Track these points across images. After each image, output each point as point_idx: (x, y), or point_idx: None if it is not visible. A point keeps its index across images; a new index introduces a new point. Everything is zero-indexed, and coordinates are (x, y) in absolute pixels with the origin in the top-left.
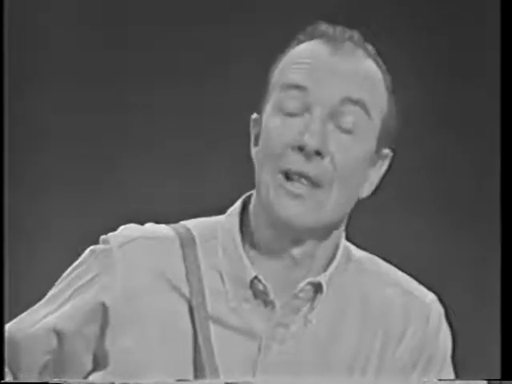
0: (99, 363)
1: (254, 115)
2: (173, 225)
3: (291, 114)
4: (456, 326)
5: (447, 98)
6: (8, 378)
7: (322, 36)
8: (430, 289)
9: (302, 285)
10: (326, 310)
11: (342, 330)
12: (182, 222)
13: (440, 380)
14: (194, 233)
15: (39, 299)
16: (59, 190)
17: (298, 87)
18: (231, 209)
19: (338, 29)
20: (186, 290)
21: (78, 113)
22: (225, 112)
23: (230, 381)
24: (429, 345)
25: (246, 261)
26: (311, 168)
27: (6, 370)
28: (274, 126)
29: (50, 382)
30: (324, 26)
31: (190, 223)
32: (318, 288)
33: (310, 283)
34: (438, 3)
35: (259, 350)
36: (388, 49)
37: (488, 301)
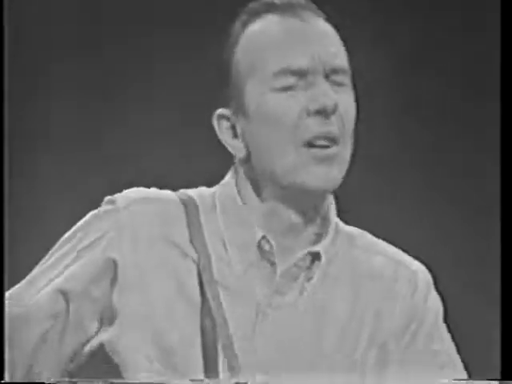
0: (104, 322)
1: (220, 111)
2: (176, 192)
3: (291, 88)
4: (456, 326)
5: (449, 98)
6: (7, 376)
7: (276, 9)
8: None
9: (301, 254)
10: (321, 280)
11: (335, 300)
12: (183, 190)
13: (454, 380)
14: (197, 201)
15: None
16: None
17: (295, 71)
18: (225, 180)
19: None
20: (191, 252)
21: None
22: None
23: (240, 381)
24: (418, 309)
25: (252, 223)
26: (331, 127)
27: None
28: (277, 103)
29: (50, 382)
30: (268, 1)
31: (192, 191)
32: (315, 257)
33: (310, 252)
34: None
35: (257, 315)
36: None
37: (488, 301)
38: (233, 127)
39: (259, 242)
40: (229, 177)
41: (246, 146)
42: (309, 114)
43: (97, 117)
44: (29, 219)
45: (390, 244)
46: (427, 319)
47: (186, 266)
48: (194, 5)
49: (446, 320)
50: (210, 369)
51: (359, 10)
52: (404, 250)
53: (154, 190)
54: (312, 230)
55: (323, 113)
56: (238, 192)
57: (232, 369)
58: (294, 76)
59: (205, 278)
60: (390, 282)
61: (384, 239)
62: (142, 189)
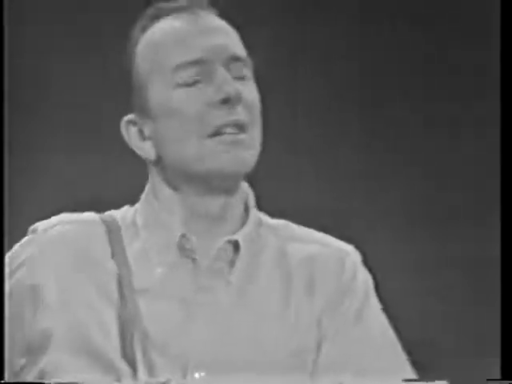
0: (33, 352)
1: (127, 117)
2: (100, 214)
3: (192, 83)
4: (456, 326)
5: (449, 98)
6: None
7: (172, 12)
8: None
9: (220, 243)
10: (246, 271)
11: (264, 291)
12: (108, 212)
13: None
14: (119, 219)
15: None
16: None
17: (193, 62)
18: (144, 192)
19: (181, 2)
20: (113, 267)
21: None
22: None
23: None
24: (349, 286)
25: (171, 224)
26: (238, 116)
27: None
28: (180, 97)
29: (50, 382)
30: (164, 5)
31: (116, 211)
32: (236, 247)
33: (229, 241)
34: None
35: (184, 315)
36: None
37: (488, 301)
38: (140, 131)
39: (179, 241)
40: (146, 187)
41: (156, 147)
42: (214, 105)
43: (97, 116)
44: (29, 219)
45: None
46: (358, 295)
47: (106, 279)
48: None
49: (445, 320)
50: (133, 368)
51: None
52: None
53: (75, 214)
54: (232, 222)
55: (228, 102)
56: (156, 197)
57: (151, 369)
58: (193, 68)
59: (124, 286)
60: (318, 265)
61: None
62: (64, 214)
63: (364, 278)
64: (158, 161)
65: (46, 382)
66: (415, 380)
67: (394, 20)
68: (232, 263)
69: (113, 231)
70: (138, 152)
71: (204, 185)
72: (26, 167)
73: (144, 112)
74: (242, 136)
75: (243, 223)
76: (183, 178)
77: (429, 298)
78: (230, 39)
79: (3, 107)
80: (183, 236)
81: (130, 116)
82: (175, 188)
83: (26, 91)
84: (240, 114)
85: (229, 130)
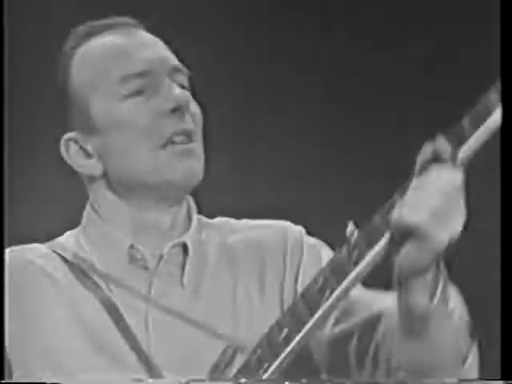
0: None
1: (66, 135)
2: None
3: (139, 93)
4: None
5: (448, 97)
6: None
7: (105, 29)
8: None
9: (168, 247)
10: (196, 272)
11: (214, 287)
12: (50, 242)
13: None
14: (65, 244)
15: None
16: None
17: (138, 74)
18: (84, 216)
19: (110, 20)
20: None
21: None
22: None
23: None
24: (295, 256)
25: (119, 238)
26: (186, 124)
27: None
28: (127, 109)
29: (50, 382)
30: (96, 22)
31: (59, 239)
32: (184, 250)
33: (177, 244)
34: None
35: (147, 324)
36: None
37: (488, 300)
38: (82, 148)
39: (129, 252)
40: (87, 207)
41: (102, 162)
42: (164, 115)
43: None
44: (29, 219)
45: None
46: (306, 264)
47: (83, 298)
48: None
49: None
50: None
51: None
52: None
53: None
54: (178, 227)
55: (178, 110)
56: (98, 214)
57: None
58: (138, 79)
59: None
60: (263, 246)
61: None
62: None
63: (312, 242)
64: (103, 176)
65: (46, 381)
66: None
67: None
68: (183, 266)
69: (61, 259)
70: (80, 170)
71: (155, 197)
72: (26, 167)
73: (86, 128)
74: (192, 145)
75: (187, 227)
76: (132, 192)
77: None
78: (168, 52)
79: (3, 107)
80: (131, 247)
81: (70, 134)
82: (121, 202)
83: (26, 91)
84: (188, 122)
85: (179, 138)
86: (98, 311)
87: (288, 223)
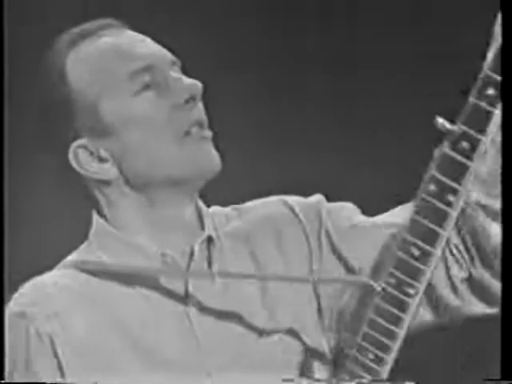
0: None
1: (76, 143)
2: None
3: (149, 86)
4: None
5: (448, 97)
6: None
7: (90, 34)
8: None
9: (198, 244)
10: (222, 261)
11: (240, 275)
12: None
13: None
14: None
15: None
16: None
17: (145, 68)
18: (90, 234)
19: (96, 23)
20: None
21: None
22: None
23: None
24: (313, 223)
25: (141, 244)
26: (200, 113)
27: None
28: (143, 104)
29: (49, 382)
30: (85, 26)
31: (74, 256)
32: (209, 244)
33: (204, 239)
34: None
35: (190, 322)
36: None
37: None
38: (92, 153)
39: (160, 260)
40: (95, 218)
41: (116, 164)
42: (179, 106)
43: None
44: (29, 224)
45: None
46: (324, 216)
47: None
48: None
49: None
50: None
51: None
52: None
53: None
54: (195, 221)
55: (192, 100)
56: (111, 223)
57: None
58: (146, 74)
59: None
60: (276, 219)
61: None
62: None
63: (314, 198)
64: (118, 179)
65: (46, 381)
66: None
67: None
68: (209, 259)
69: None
70: (94, 176)
71: (174, 192)
72: (26, 167)
73: (97, 132)
74: (208, 133)
75: (201, 220)
76: (150, 190)
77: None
78: (159, 46)
79: (3, 107)
80: (163, 255)
81: (79, 141)
82: (138, 204)
83: (26, 91)
84: (201, 111)
85: (194, 129)
86: (138, 316)
87: (283, 197)
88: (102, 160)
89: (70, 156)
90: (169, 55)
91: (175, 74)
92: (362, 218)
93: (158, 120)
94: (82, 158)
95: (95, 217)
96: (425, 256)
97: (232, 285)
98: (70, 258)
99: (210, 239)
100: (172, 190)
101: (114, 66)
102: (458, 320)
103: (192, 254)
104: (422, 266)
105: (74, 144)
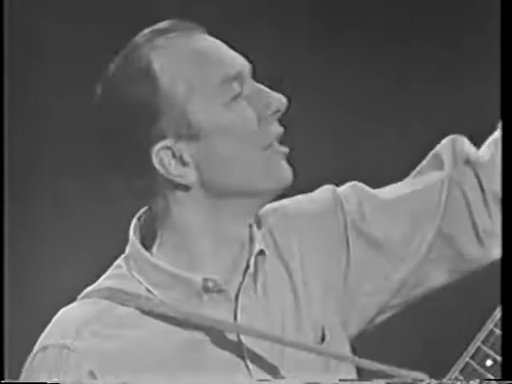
0: None
1: (158, 145)
2: (105, 298)
3: (238, 96)
4: (456, 326)
5: (448, 96)
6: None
7: (174, 31)
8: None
9: (252, 260)
10: (270, 270)
11: (274, 278)
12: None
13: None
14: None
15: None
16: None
17: (235, 76)
18: (128, 247)
19: (181, 22)
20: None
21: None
22: None
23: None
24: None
25: (185, 272)
26: (280, 126)
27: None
28: (234, 114)
29: (49, 382)
30: (167, 23)
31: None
32: (258, 256)
33: (256, 255)
34: None
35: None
36: None
37: (488, 300)
38: (174, 155)
39: (203, 286)
40: (132, 242)
41: (198, 170)
42: (266, 118)
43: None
44: (29, 218)
45: None
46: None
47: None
48: None
49: (445, 318)
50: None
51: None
52: None
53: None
54: (247, 235)
55: (277, 114)
56: (173, 228)
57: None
58: (235, 82)
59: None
60: (317, 215)
61: None
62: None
63: (322, 189)
64: (195, 185)
65: (46, 381)
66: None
67: None
68: (256, 273)
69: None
70: (176, 180)
71: (246, 205)
72: (26, 167)
73: (184, 135)
74: (285, 148)
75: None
76: (223, 201)
77: (428, 297)
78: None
79: (3, 107)
80: (204, 280)
81: (164, 143)
82: (208, 211)
83: (26, 91)
84: (279, 124)
85: (276, 143)
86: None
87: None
88: (184, 164)
89: (154, 158)
90: (247, 63)
91: (257, 84)
92: (381, 195)
93: (248, 130)
94: (167, 159)
95: (132, 238)
96: None
97: (269, 291)
98: (106, 283)
99: (262, 252)
100: (243, 202)
101: (206, 70)
102: (478, 268)
103: (247, 268)
104: None
105: (158, 146)
